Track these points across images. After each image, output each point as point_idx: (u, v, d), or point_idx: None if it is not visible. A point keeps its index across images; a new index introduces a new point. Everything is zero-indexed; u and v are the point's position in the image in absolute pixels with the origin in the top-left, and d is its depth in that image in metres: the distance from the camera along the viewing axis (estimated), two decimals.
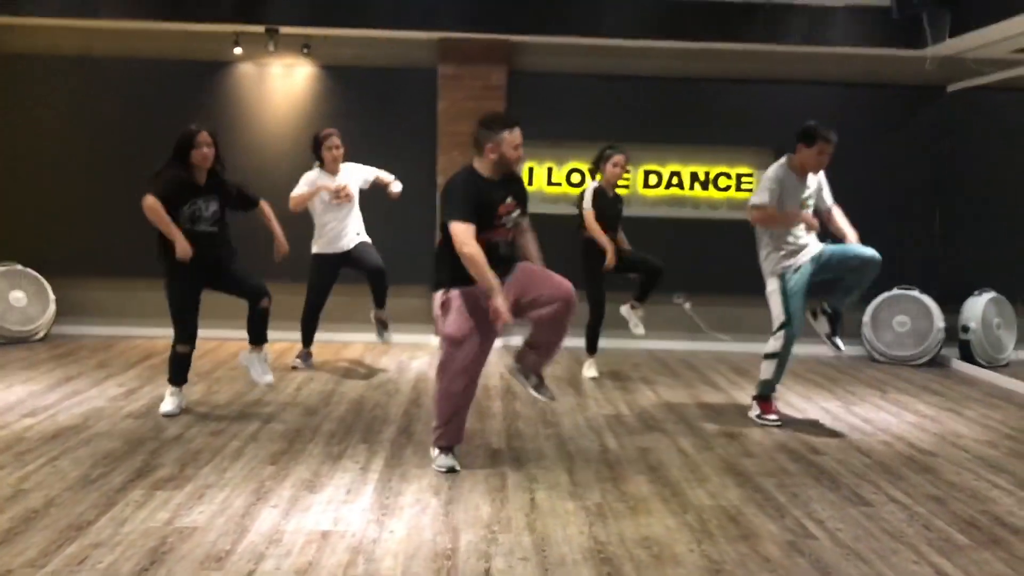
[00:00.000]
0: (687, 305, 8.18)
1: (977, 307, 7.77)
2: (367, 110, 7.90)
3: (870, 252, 5.29)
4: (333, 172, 6.60)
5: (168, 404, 5.31)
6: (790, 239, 5.40)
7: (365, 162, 7.14)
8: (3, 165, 7.93)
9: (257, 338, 5.46)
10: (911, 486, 4.40)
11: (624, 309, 6.83)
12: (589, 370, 6.77)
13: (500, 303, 4.07)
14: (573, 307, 4.35)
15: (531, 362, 4.62)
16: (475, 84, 7.89)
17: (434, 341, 8.03)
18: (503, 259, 4.39)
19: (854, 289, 5.51)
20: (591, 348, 6.74)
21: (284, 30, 7.68)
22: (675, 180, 8.13)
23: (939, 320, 7.71)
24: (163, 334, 7.86)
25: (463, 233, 4.17)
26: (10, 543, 3.37)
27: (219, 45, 7.81)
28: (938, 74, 7.94)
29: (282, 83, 7.95)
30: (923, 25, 7.55)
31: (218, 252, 5.26)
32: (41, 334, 7.68)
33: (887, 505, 4.11)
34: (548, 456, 4.70)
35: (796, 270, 5.38)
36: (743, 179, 8.16)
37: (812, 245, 5.42)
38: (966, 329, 7.76)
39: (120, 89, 7.87)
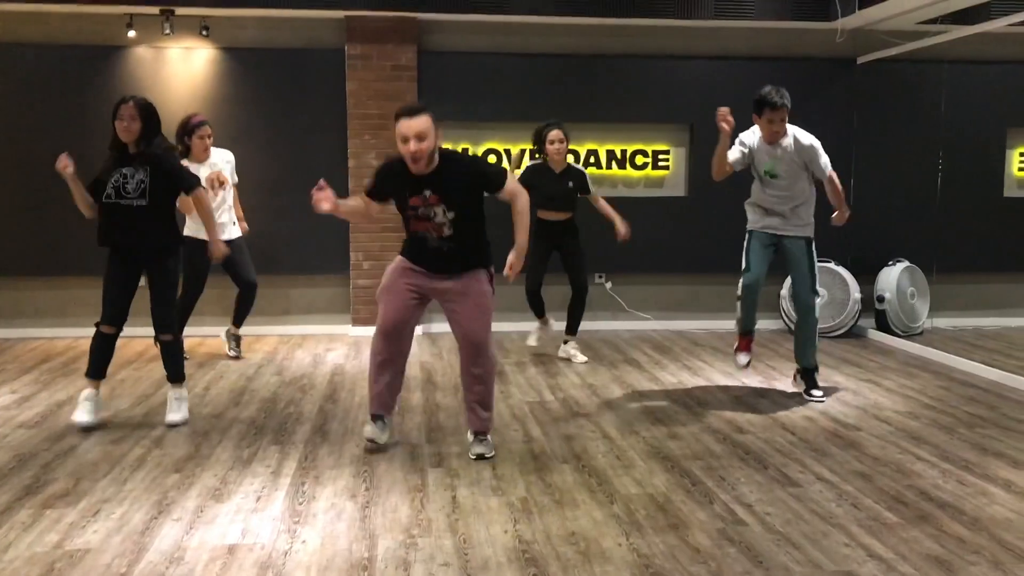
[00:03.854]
0: (608, 284, 8.10)
1: (892, 277, 7.85)
2: (272, 93, 7.57)
3: (806, 300, 5.54)
4: (201, 161, 6.33)
5: (80, 413, 4.82)
6: (759, 204, 5.58)
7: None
8: None
9: (169, 374, 5.06)
10: (837, 463, 4.36)
11: (561, 350, 6.82)
12: (530, 339, 6.94)
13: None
14: (473, 355, 4.33)
15: (470, 415, 4.50)
16: (384, 64, 7.62)
17: (351, 332, 7.79)
18: (437, 255, 4.30)
19: (802, 344, 5.69)
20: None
21: (180, 11, 7.29)
22: (592, 159, 8.00)
23: (855, 291, 7.77)
24: (62, 334, 7.54)
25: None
26: None
27: (111, 28, 7.37)
28: (848, 46, 7.98)
29: (181, 67, 7.55)
30: None
31: (139, 231, 4.81)
32: None
33: (815, 484, 4.06)
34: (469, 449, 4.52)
35: (759, 232, 5.60)
36: (660, 156, 8.07)
37: (786, 223, 5.53)
38: (881, 299, 7.84)
39: (4, 76, 7.38)
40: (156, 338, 5.03)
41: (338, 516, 3.63)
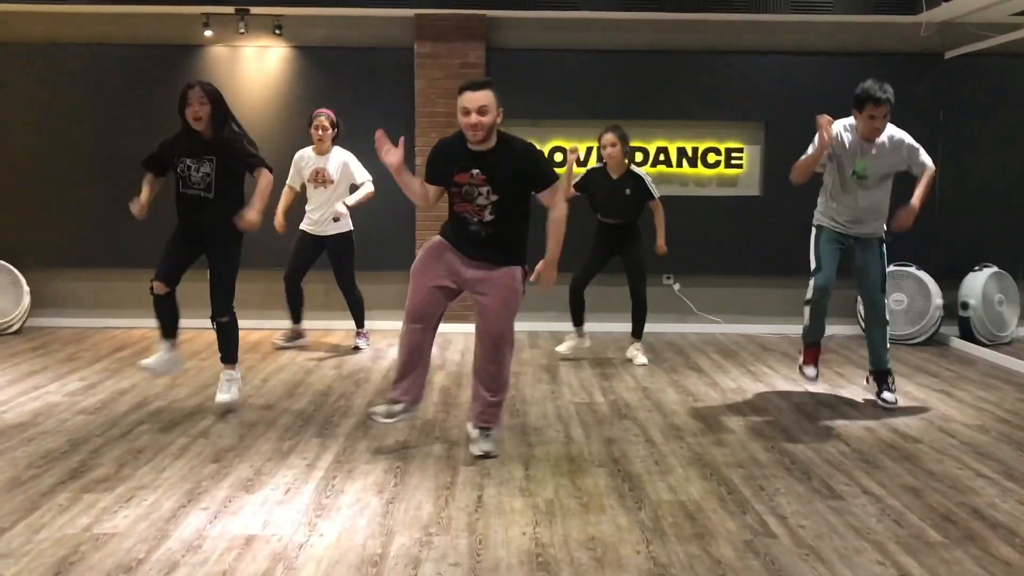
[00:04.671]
0: (676, 286, 7.94)
1: (977, 283, 7.46)
2: (342, 91, 7.66)
3: (876, 297, 5.30)
4: (319, 153, 6.73)
5: (151, 360, 5.10)
6: (837, 210, 5.32)
7: (342, 145, 6.92)
8: None
9: (222, 355, 5.17)
10: (887, 476, 4.15)
11: (627, 351, 6.68)
12: (561, 346, 6.70)
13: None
14: (491, 350, 4.25)
15: (474, 407, 4.43)
16: (453, 62, 7.63)
17: None
18: (475, 240, 4.26)
19: (874, 344, 5.44)
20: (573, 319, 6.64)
21: (255, 10, 7.46)
22: (662, 157, 7.84)
23: (937, 297, 7.42)
24: (139, 324, 7.80)
25: None
26: None
27: (189, 28, 7.60)
28: (935, 40, 7.62)
29: (255, 65, 7.72)
30: None
31: (206, 220, 4.95)
32: (16, 327, 7.54)
33: (858, 498, 3.87)
34: (506, 449, 4.46)
35: (830, 231, 5.36)
36: (732, 154, 7.86)
37: (861, 226, 5.32)
38: (965, 306, 7.45)
39: (89, 75, 7.67)
40: (213, 319, 5.11)
41: (360, 511, 3.64)
